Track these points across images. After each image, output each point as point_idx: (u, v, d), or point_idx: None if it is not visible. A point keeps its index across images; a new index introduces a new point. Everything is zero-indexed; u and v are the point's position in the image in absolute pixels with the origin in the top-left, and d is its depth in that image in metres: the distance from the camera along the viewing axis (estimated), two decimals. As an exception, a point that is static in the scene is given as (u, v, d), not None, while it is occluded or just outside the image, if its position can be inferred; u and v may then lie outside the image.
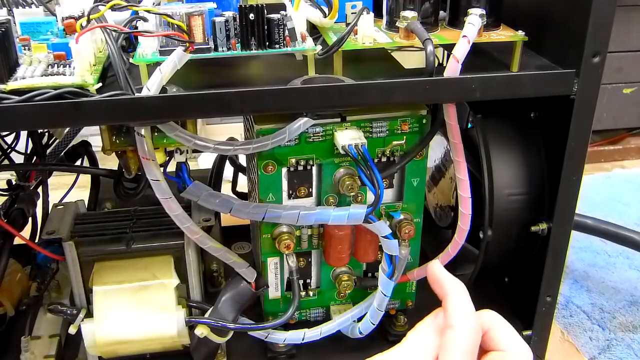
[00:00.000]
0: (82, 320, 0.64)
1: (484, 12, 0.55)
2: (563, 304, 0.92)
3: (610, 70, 1.33)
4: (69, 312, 0.65)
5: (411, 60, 0.62)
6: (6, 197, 0.75)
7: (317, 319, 0.73)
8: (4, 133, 0.74)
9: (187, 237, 0.62)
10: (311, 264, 0.70)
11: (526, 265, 0.71)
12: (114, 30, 0.52)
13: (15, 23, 0.56)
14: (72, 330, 0.65)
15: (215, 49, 0.53)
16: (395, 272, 0.63)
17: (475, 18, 0.54)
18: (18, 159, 0.76)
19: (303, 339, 0.68)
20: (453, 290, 0.43)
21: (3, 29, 0.50)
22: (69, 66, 0.53)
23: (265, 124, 0.59)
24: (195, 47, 0.52)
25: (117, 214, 0.70)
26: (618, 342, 0.84)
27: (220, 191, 0.70)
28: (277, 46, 0.54)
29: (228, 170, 0.82)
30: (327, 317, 0.72)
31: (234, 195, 0.78)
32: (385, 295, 0.65)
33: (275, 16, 0.53)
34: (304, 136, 0.60)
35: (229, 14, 0.52)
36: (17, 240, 0.68)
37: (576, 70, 0.57)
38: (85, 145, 0.79)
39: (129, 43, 0.59)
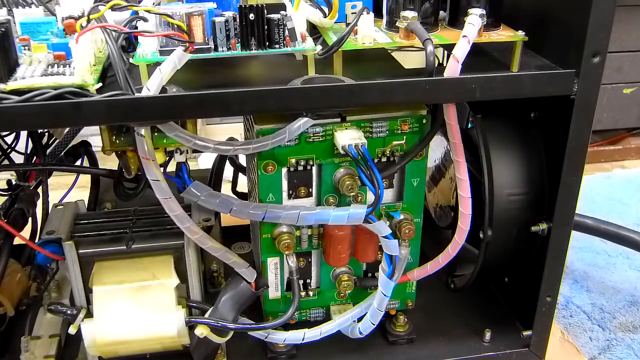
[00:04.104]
0: (82, 320, 0.64)
1: (484, 12, 0.55)
2: (563, 304, 0.92)
3: (610, 70, 1.33)
4: (69, 312, 0.65)
5: (411, 60, 0.62)
6: (6, 197, 0.75)
7: (317, 319, 0.73)
8: (4, 133, 0.74)
9: (187, 237, 0.62)
10: (311, 264, 0.70)
11: (526, 265, 0.71)
12: (114, 30, 0.52)
13: (15, 23, 0.56)
14: (72, 330, 0.65)
15: (215, 49, 0.53)
16: (395, 272, 0.63)
17: (475, 18, 0.54)
18: (18, 159, 0.75)
19: (303, 339, 0.68)
20: None
21: (3, 29, 0.50)
22: (69, 66, 0.53)
23: (265, 124, 0.59)
24: (195, 47, 0.52)
25: (117, 214, 0.70)
26: (618, 342, 0.84)
27: (220, 191, 0.70)
28: (277, 46, 0.54)
29: (228, 170, 0.82)
30: (327, 317, 0.72)
31: (234, 195, 0.78)
32: (385, 295, 0.65)
33: (275, 16, 0.53)
34: (304, 136, 0.60)
35: (229, 14, 0.52)
36: (17, 240, 0.68)
37: (576, 70, 0.57)
38: (85, 145, 0.79)
39: (129, 43, 0.59)
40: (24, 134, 0.74)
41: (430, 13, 0.58)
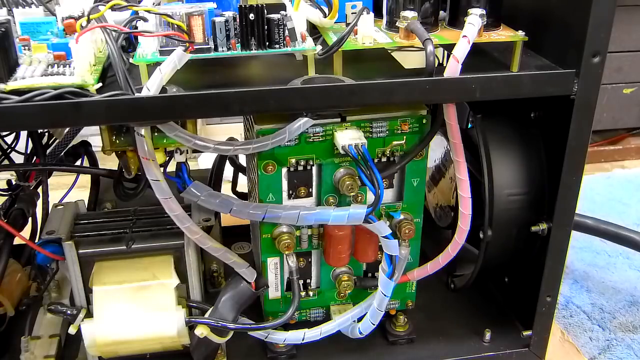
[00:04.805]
0: (82, 320, 0.64)
1: (484, 12, 0.55)
2: (563, 304, 0.92)
3: (610, 70, 1.33)
4: (69, 312, 0.65)
5: (411, 60, 0.62)
6: (6, 197, 0.75)
7: (317, 319, 0.73)
8: (4, 133, 0.74)
9: (187, 237, 0.62)
10: (311, 264, 0.70)
11: (526, 265, 0.71)
12: (114, 30, 0.52)
13: (15, 23, 0.56)
14: (72, 330, 0.65)
15: (215, 49, 0.53)
16: (395, 272, 0.63)
17: (475, 18, 0.54)
18: (18, 159, 0.75)
19: (303, 339, 0.68)
20: None
21: (3, 29, 0.50)
22: (69, 66, 0.53)
23: (265, 124, 0.59)
24: (195, 47, 0.52)
25: (117, 214, 0.70)
26: (618, 342, 0.84)
27: (220, 191, 0.70)
28: (277, 46, 0.54)
29: (228, 170, 0.82)
30: (327, 317, 0.72)
31: (234, 195, 0.78)
32: (385, 295, 0.65)
33: (275, 16, 0.53)
34: (304, 136, 0.60)
35: (229, 14, 0.52)
36: (17, 240, 0.68)
37: (576, 70, 0.57)
38: (85, 145, 0.79)
39: (129, 43, 0.59)
40: (24, 134, 0.74)
41: (430, 13, 0.58)
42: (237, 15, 0.52)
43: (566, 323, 0.88)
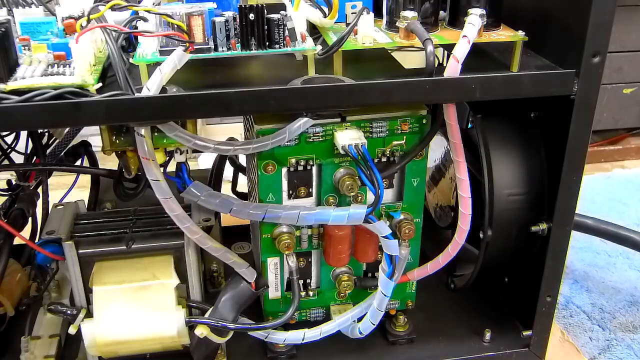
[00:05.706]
0: (82, 320, 0.64)
1: (484, 12, 0.55)
2: (563, 304, 0.92)
3: (610, 70, 1.33)
4: (69, 312, 0.65)
5: (411, 60, 0.62)
6: (6, 197, 0.75)
7: (317, 319, 0.73)
8: (4, 133, 0.74)
9: (187, 237, 0.62)
10: (311, 264, 0.70)
11: (526, 265, 0.71)
12: (114, 30, 0.52)
13: (15, 23, 0.56)
14: (72, 330, 0.65)
15: (215, 49, 0.53)
16: (395, 272, 0.63)
17: (475, 18, 0.54)
18: (18, 159, 0.75)
19: (303, 339, 0.68)
20: None
21: (3, 29, 0.50)
22: (69, 66, 0.53)
23: (265, 124, 0.59)
24: (195, 47, 0.52)
25: (117, 214, 0.70)
26: (618, 342, 0.84)
27: (220, 191, 0.70)
28: (277, 46, 0.54)
29: (228, 170, 0.82)
30: (327, 317, 0.72)
31: (234, 195, 0.78)
32: (385, 295, 0.65)
33: (275, 16, 0.53)
34: (304, 136, 0.60)
35: (229, 14, 0.52)
36: (17, 240, 0.68)
37: (576, 70, 0.57)
38: (85, 145, 0.79)
39: (129, 43, 0.59)
40: (24, 134, 0.74)
41: (430, 13, 0.58)
42: (237, 15, 0.52)
43: (566, 323, 0.88)
